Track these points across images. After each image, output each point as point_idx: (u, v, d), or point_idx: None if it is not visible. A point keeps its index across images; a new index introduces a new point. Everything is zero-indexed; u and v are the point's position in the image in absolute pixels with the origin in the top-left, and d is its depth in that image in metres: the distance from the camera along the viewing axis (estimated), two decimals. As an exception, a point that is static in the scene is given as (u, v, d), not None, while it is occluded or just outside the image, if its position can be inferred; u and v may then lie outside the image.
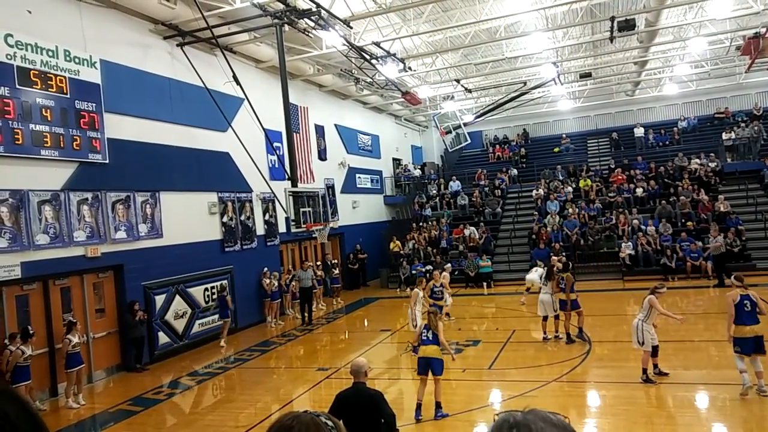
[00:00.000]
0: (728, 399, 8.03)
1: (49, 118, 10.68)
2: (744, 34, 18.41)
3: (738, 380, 7.86)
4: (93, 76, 11.68)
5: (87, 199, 11.54)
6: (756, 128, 24.45)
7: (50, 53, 10.82)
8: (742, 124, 25.55)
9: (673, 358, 10.08)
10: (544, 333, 11.86)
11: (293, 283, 17.13)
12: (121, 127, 12.33)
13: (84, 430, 9.12)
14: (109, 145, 11.92)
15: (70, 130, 11.09)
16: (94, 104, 11.62)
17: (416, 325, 11.27)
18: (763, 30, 17.19)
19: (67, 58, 11.16)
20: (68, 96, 11.10)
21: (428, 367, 7.82)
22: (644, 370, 8.76)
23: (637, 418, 7.64)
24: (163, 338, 13.11)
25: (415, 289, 12.65)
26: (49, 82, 10.73)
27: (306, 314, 16.36)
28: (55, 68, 10.88)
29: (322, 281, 18.92)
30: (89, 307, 11.77)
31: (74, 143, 11.16)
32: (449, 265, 16.95)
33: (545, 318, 11.80)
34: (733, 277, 8.43)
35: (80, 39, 11.54)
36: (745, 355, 7.73)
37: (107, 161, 11.87)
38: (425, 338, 7.92)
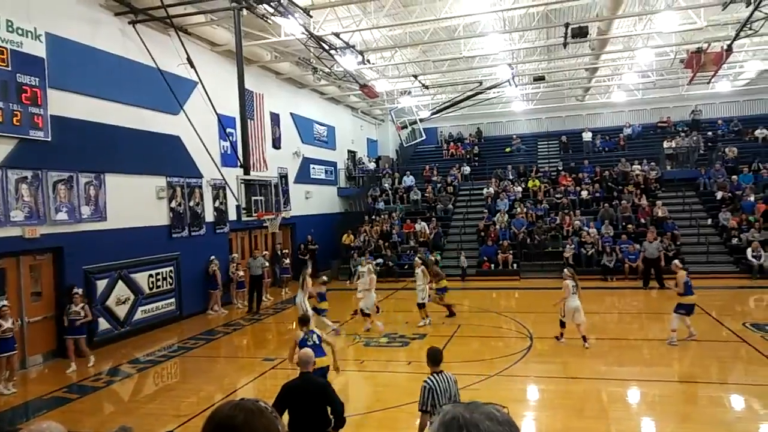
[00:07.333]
0: (658, 395, 8.50)
1: (-13, 91, 10.14)
2: (688, 48, 19.29)
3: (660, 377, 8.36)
4: (37, 49, 11.14)
5: (26, 177, 11.03)
6: (694, 138, 25.74)
7: (-9, 22, 10.26)
8: (682, 134, 26.85)
9: (609, 355, 10.57)
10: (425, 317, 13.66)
11: (239, 272, 16.85)
12: (66, 104, 11.82)
13: (14, 418, 8.75)
14: (53, 122, 11.42)
15: (10, 104, 10.55)
16: (37, 79, 11.08)
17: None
18: (705, 45, 18.10)
19: (9, 29, 10.59)
20: (9, 68, 10.55)
21: None
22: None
23: (573, 411, 7.98)
24: (103, 324, 12.70)
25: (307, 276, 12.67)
26: (-12, 52, 10.19)
27: (254, 303, 16.47)
28: (-5, 38, 10.33)
29: (270, 272, 18.80)
30: (25, 290, 11.28)
31: (14, 118, 10.63)
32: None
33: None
34: (673, 263, 11.87)
35: (24, 9, 10.97)
36: (686, 315, 10.84)
37: (50, 139, 11.37)
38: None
